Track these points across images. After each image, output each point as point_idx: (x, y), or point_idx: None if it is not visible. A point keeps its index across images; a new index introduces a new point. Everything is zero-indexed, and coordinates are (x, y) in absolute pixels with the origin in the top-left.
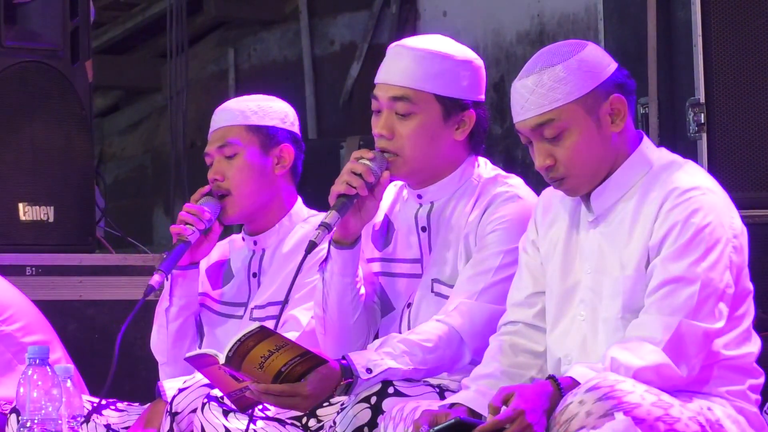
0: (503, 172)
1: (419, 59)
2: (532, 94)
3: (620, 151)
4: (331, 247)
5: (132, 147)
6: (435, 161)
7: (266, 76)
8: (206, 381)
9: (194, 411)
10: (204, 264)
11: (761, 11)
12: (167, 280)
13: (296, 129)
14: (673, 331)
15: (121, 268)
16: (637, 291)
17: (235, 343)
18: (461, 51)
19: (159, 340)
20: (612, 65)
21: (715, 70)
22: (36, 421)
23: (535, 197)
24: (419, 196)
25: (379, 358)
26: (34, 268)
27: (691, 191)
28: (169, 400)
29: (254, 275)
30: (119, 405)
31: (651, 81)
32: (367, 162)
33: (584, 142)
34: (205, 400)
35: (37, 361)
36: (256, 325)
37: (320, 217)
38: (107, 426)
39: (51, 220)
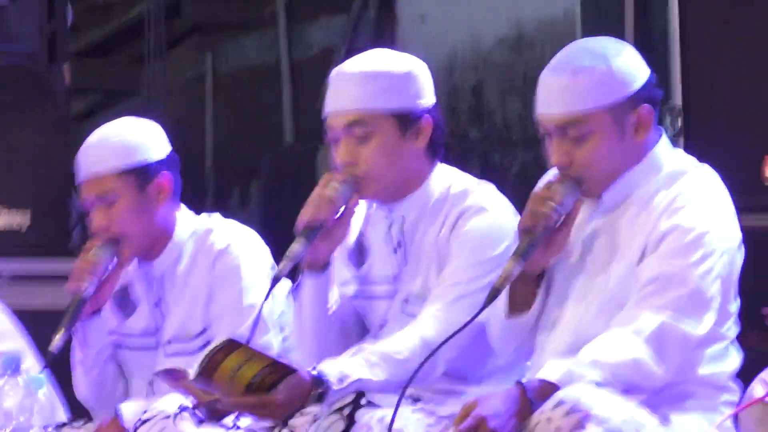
0: (473, 182)
1: (364, 80)
2: (564, 92)
3: (639, 153)
4: (302, 273)
5: None
6: (402, 176)
7: (244, 81)
8: (168, 411)
9: None
10: None
11: (739, 17)
12: (74, 333)
13: (166, 146)
14: (655, 328)
15: None
16: (625, 283)
17: (205, 357)
18: (402, 61)
19: (84, 389)
20: (645, 73)
21: (692, 75)
22: (8, 431)
23: (505, 206)
24: (390, 211)
25: (351, 368)
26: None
27: (700, 195)
28: (128, 426)
29: (156, 304)
30: (75, 423)
31: None
32: (337, 186)
33: (606, 149)
34: (178, 411)
35: (9, 372)
36: (224, 337)
37: (203, 220)
38: None
39: (27, 225)
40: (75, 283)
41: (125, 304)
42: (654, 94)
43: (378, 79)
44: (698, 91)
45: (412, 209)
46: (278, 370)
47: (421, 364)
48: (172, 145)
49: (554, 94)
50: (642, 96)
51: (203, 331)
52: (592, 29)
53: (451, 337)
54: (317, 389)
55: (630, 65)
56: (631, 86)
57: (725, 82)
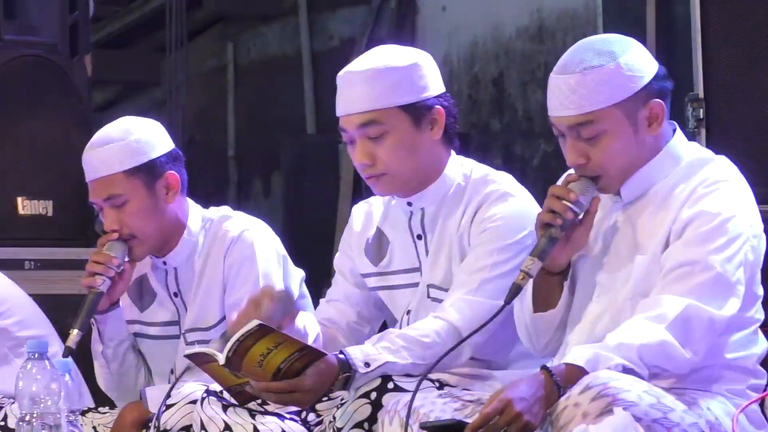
0: (492, 170)
1: (371, 79)
2: (574, 93)
3: (654, 147)
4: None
5: None
6: (422, 168)
7: (265, 71)
8: (193, 396)
9: (184, 428)
10: None
11: (760, 6)
12: (93, 325)
13: (169, 144)
14: (680, 311)
15: None
16: (650, 274)
17: (234, 342)
18: (405, 54)
19: (106, 380)
20: (653, 67)
21: (714, 65)
22: (35, 415)
23: (525, 192)
24: (409, 204)
25: (377, 352)
26: (32, 262)
27: (722, 183)
28: (153, 410)
29: (175, 295)
30: (101, 409)
31: None
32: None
33: (620, 146)
34: (205, 395)
35: (36, 355)
36: (255, 323)
37: (213, 212)
38: (95, 428)
39: (50, 214)
40: (90, 279)
41: (143, 294)
42: (664, 86)
43: (385, 76)
44: (720, 81)
45: (432, 200)
46: (306, 356)
47: (446, 353)
48: (194, 135)
49: (564, 96)
50: (652, 89)
51: (221, 320)
52: (613, 19)
53: (476, 331)
54: (344, 374)
55: (637, 60)
56: (641, 81)
57: (747, 71)
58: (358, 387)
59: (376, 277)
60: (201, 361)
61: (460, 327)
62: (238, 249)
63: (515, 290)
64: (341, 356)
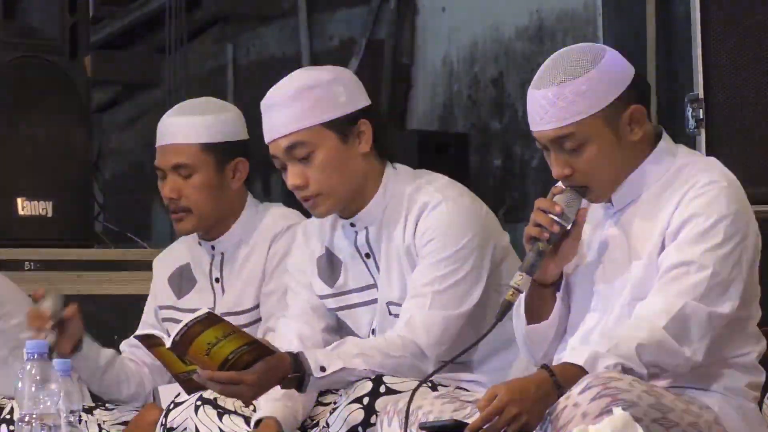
0: (427, 174)
1: (290, 101)
2: (553, 107)
3: (640, 152)
4: None
5: (131, 142)
6: (354, 183)
7: (265, 72)
8: (204, 395)
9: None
10: (165, 273)
11: (760, 6)
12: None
13: (246, 134)
14: (678, 310)
15: (120, 264)
16: (647, 278)
17: (183, 327)
18: (323, 73)
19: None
20: (630, 72)
21: (714, 65)
22: (34, 416)
23: (463, 194)
24: (352, 225)
25: (335, 357)
26: (32, 263)
27: (715, 183)
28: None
29: (217, 280)
30: (108, 405)
31: (650, 77)
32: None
33: (604, 154)
34: (199, 403)
35: (36, 356)
36: (204, 310)
37: (266, 205)
38: (99, 425)
39: (49, 215)
40: (35, 333)
41: (182, 282)
42: (642, 90)
43: (303, 97)
44: (720, 82)
45: (373, 218)
46: (256, 350)
47: (443, 365)
48: None
49: (544, 111)
50: (631, 94)
51: (255, 307)
52: (612, 19)
53: (459, 355)
54: (295, 374)
55: (613, 67)
56: (618, 87)
57: (747, 71)
58: (316, 389)
59: (333, 298)
60: (150, 343)
61: (421, 343)
62: (285, 240)
63: (506, 306)
64: (295, 355)
